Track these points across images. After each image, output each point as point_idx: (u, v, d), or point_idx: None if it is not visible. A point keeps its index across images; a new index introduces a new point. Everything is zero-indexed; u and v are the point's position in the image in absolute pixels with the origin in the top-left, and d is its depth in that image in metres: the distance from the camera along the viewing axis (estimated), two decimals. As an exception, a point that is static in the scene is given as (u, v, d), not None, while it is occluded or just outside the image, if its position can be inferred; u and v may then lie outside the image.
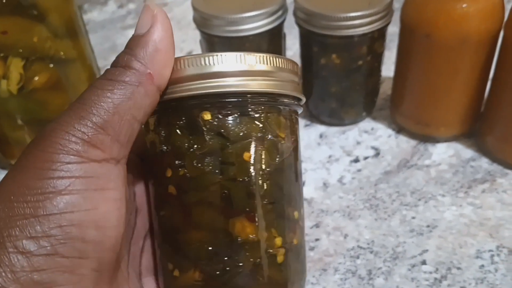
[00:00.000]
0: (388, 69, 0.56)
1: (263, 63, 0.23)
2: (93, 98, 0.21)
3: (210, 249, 0.23)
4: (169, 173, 0.24)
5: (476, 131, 0.50)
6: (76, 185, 0.20)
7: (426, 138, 0.51)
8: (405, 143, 0.52)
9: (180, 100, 0.23)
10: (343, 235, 0.43)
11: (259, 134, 0.23)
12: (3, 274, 0.18)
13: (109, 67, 0.22)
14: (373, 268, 0.40)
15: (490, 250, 0.40)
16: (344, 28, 0.46)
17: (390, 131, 0.53)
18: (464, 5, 0.41)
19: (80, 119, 0.20)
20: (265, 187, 0.23)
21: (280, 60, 0.24)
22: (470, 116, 0.49)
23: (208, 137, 0.23)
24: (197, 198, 0.23)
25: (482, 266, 0.39)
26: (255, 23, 0.47)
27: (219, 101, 0.23)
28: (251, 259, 0.23)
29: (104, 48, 0.72)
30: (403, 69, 0.49)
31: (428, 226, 0.43)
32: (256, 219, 0.23)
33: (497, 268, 0.39)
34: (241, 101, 0.23)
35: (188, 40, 0.72)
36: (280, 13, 0.49)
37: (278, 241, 0.24)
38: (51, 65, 0.46)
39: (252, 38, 0.48)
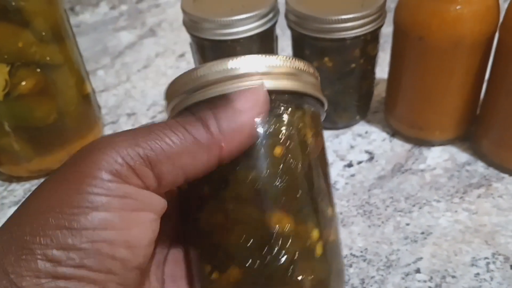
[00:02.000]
0: (383, 70, 0.55)
1: (290, 65, 0.24)
2: (159, 134, 0.21)
3: (249, 244, 0.23)
4: None
5: (472, 134, 0.50)
6: (113, 203, 0.20)
7: (420, 141, 0.50)
8: (400, 147, 0.51)
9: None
10: (335, 242, 0.42)
11: (288, 132, 0.24)
12: (28, 278, 0.19)
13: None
14: (366, 277, 0.39)
15: (485, 258, 0.39)
16: (336, 31, 0.45)
17: (384, 135, 0.52)
18: (457, 7, 0.41)
19: (135, 145, 0.21)
20: (297, 181, 0.24)
21: (304, 64, 0.25)
22: (465, 119, 0.48)
23: None
24: (232, 195, 0.24)
25: (478, 274, 0.38)
26: (246, 26, 0.46)
27: None
28: (290, 252, 0.23)
29: (95, 50, 0.70)
30: (397, 72, 0.48)
31: (422, 233, 0.42)
32: (292, 211, 0.24)
33: (492, 276, 0.38)
34: (271, 99, 0.24)
35: (181, 42, 0.72)
36: (271, 15, 0.48)
37: (316, 233, 0.24)
38: (38, 70, 0.45)
39: (243, 41, 0.47)
